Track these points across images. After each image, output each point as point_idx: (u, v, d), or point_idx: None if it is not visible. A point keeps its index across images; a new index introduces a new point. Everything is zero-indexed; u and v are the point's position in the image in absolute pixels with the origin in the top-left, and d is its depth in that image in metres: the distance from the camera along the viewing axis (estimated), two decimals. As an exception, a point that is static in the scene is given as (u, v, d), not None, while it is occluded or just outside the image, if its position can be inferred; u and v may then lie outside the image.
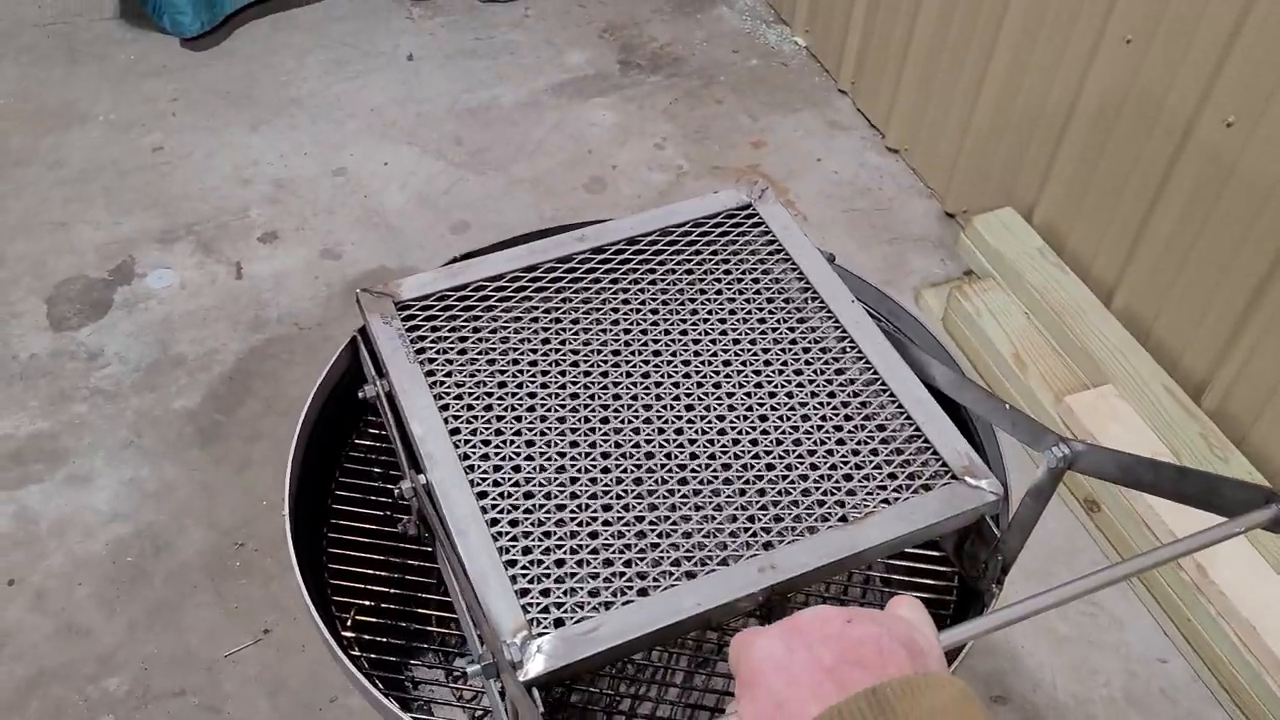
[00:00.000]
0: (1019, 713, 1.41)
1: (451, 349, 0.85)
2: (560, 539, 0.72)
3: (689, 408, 0.81)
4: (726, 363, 0.85)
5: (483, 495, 0.74)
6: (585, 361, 0.84)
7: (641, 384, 0.83)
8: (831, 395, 0.83)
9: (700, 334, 0.87)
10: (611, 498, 0.75)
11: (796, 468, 0.77)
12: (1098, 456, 0.68)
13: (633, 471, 0.77)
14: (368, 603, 0.90)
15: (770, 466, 0.78)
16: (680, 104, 2.28)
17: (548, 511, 0.74)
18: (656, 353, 0.85)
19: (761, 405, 0.82)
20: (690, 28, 2.48)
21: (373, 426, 1.00)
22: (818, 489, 0.76)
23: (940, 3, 1.90)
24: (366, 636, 0.88)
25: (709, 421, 0.80)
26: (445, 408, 0.80)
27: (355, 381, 0.92)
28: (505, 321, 0.88)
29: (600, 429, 0.79)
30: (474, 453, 0.77)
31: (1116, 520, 1.51)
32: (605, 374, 0.83)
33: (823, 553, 0.72)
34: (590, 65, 2.37)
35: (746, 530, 0.73)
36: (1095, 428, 1.53)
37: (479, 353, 0.85)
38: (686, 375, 0.84)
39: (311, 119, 2.22)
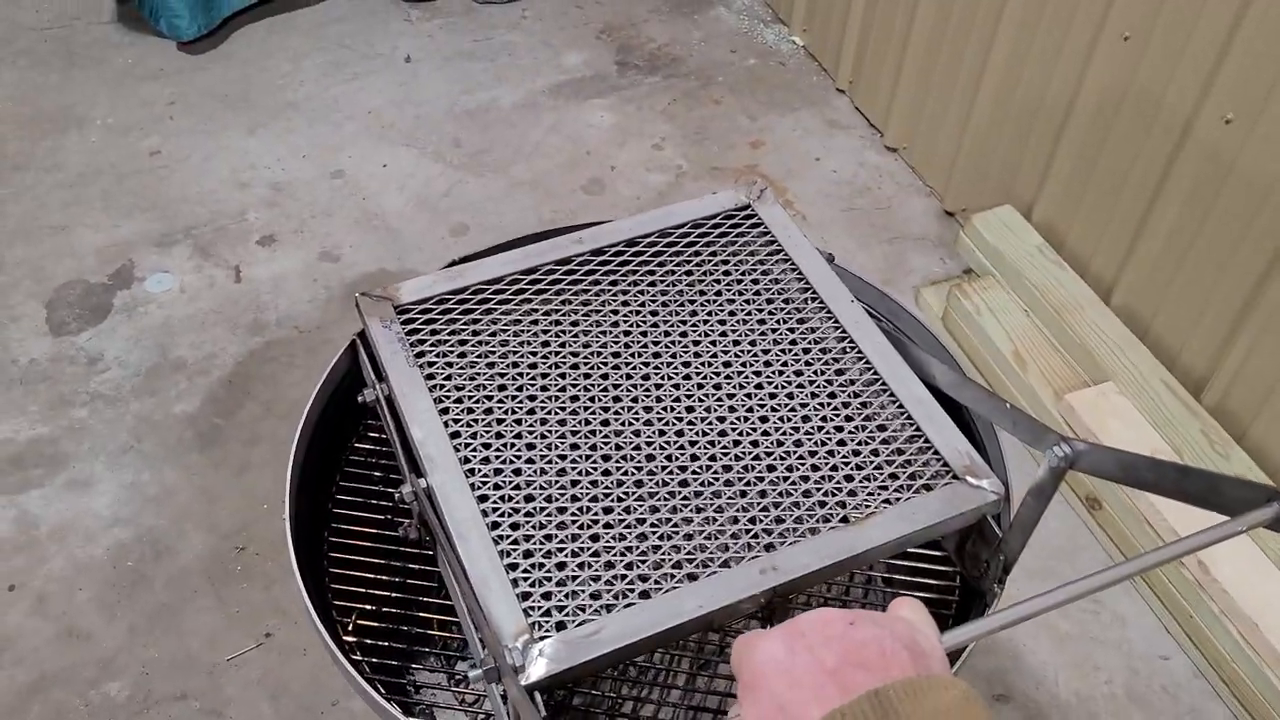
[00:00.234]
0: (1021, 711, 1.41)
1: (451, 352, 0.85)
2: (561, 541, 0.72)
3: (689, 409, 0.81)
4: (727, 364, 0.85)
5: (483, 499, 0.74)
6: (585, 364, 0.84)
7: (641, 386, 0.83)
8: (832, 396, 0.83)
9: (700, 335, 0.87)
10: (612, 500, 0.75)
11: (797, 469, 0.77)
12: (1099, 456, 0.68)
13: (633, 474, 0.77)
14: (369, 606, 0.89)
15: (771, 468, 0.77)
16: (678, 104, 2.27)
17: (549, 514, 0.74)
18: (656, 354, 0.85)
19: (762, 406, 0.82)
20: (688, 28, 2.48)
21: (373, 430, 1.00)
22: (819, 490, 0.76)
23: (938, 1, 1.90)
24: (369, 641, 0.88)
25: (709, 423, 0.80)
26: (445, 411, 0.80)
27: (355, 385, 0.92)
28: (505, 325, 0.87)
29: (600, 431, 0.79)
30: (474, 456, 0.77)
31: (1118, 518, 1.50)
32: (605, 376, 0.83)
33: (824, 554, 0.71)
34: (588, 66, 2.37)
35: (748, 531, 0.73)
36: (1096, 425, 1.53)
37: (479, 356, 0.85)
38: (686, 377, 0.84)
39: (309, 121, 2.21)
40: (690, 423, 0.80)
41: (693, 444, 0.79)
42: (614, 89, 2.31)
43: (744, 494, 0.76)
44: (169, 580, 1.49)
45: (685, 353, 0.85)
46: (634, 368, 0.84)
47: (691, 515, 0.74)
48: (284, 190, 2.07)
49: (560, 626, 0.67)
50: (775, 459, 0.78)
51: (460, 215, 2.02)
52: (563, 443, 0.78)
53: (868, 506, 0.75)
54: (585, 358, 0.85)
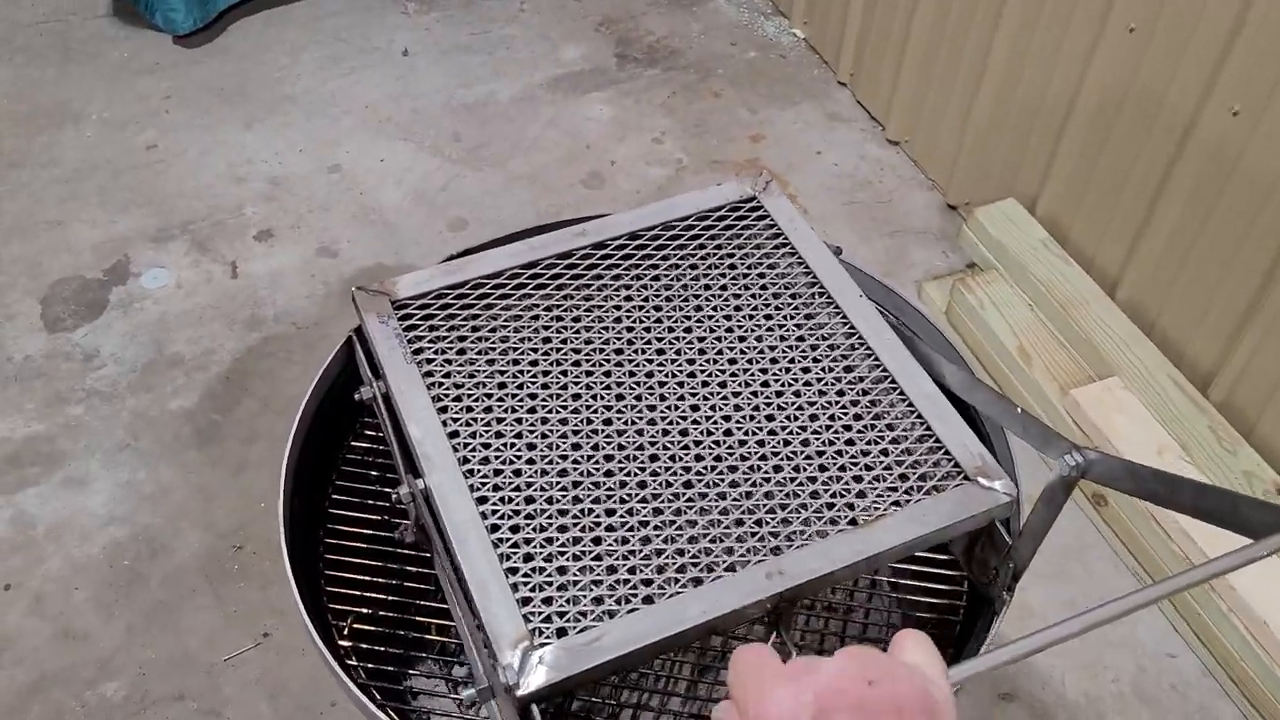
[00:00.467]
0: (1028, 710, 1.40)
1: (450, 349, 0.83)
2: (562, 545, 0.70)
3: (694, 408, 0.80)
4: (732, 360, 0.83)
5: (482, 500, 0.72)
6: (587, 361, 0.83)
7: (645, 383, 0.81)
8: (840, 394, 0.81)
9: (705, 331, 0.85)
10: (615, 502, 0.73)
11: (805, 469, 0.76)
12: (1112, 466, 0.66)
13: (636, 475, 0.75)
14: (365, 610, 0.88)
15: (778, 468, 0.76)
16: (678, 97, 2.25)
17: (549, 516, 0.72)
18: (660, 351, 0.84)
19: (768, 405, 0.80)
20: (687, 20, 2.46)
21: (369, 428, 0.98)
22: (826, 491, 0.74)
23: (941, -8, 1.88)
24: (364, 645, 0.86)
25: (714, 422, 0.79)
26: (444, 409, 0.78)
27: (351, 382, 0.90)
28: (505, 320, 0.86)
29: (603, 430, 0.78)
30: (473, 456, 0.75)
31: (1125, 515, 1.49)
32: (608, 373, 0.82)
33: (833, 557, 0.70)
34: (586, 60, 2.35)
35: (754, 534, 0.72)
36: (1101, 421, 1.51)
37: (478, 352, 0.83)
38: (691, 375, 0.82)
39: (306, 115, 2.20)
40: (695, 422, 0.79)
41: (697, 444, 0.77)
42: (613, 82, 2.29)
43: (749, 495, 0.74)
44: (166, 579, 1.48)
45: (690, 349, 0.84)
46: (637, 364, 0.82)
47: (696, 518, 0.73)
48: (281, 185, 2.05)
49: (561, 633, 0.65)
50: (782, 459, 0.76)
51: (458, 210, 2.01)
52: (564, 442, 0.77)
53: (877, 509, 0.73)
54: (587, 354, 0.83)
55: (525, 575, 0.68)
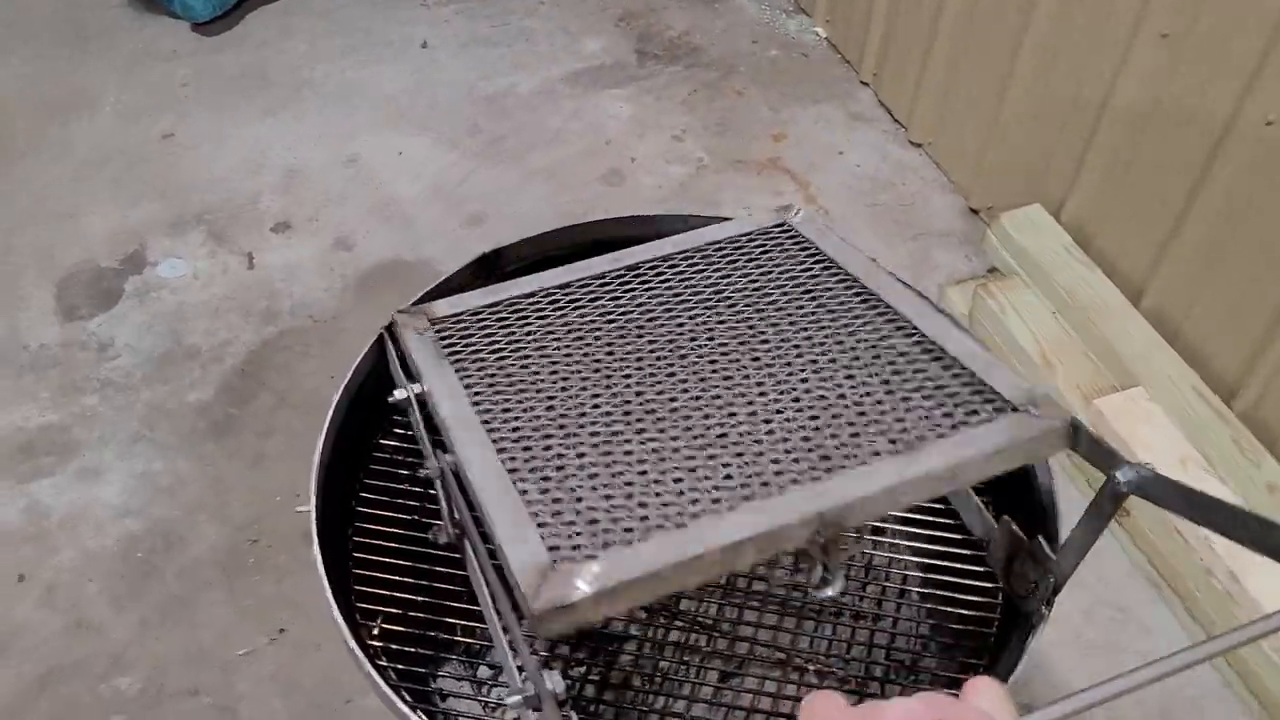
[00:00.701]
0: None
1: (484, 348, 0.82)
2: (593, 503, 0.68)
3: (728, 378, 0.78)
4: (765, 341, 0.82)
5: (513, 470, 0.71)
6: (621, 350, 0.82)
7: (680, 363, 0.80)
8: (876, 357, 0.79)
9: (739, 320, 0.84)
10: (649, 464, 0.71)
11: (844, 415, 0.74)
12: (1165, 487, 0.65)
13: (670, 431, 0.73)
14: (395, 610, 0.87)
15: (814, 417, 0.74)
16: (699, 95, 2.24)
17: (579, 479, 0.70)
18: (694, 338, 0.83)
19: (803, 370, 0.78)
20: (708, 17, 2.44)
21: (399, 426, 0.97)
22: (868, 429, 0.72)
23: (967, -6, 1.87)
24: (394, 646, 0.85)
25: (748, 386, 0.77)
26: (476, 395, 0.77)
27: (381, 380, 0.90)
28: (537, 324, 0.85)
29: (636, 399, 0.76)
30: (503, 429, 0.74)
31: (1147, 527, 1.48)
32: (641, 359, 0.80)
33: (879, 479, 0.67)
34: (607, 54, 2.34)
35: (794, 464, 0.69)
36: (1125, 431, 1.50)
37: (512, 349, 0.82)
38: (725, 353, 0.81)
39: (323, 106, 2.18)
40: (729, 388, 0.77)
41: (731, 404, 0.76)
42: (633, 79, 2.28)
43: (786, 439, 0.72)
44: (180, 572, 1.47)
45: (729, 348, 0.82)
46: (674, 351, 0.81)
47: (731, 460, 0.71)
48: (298, 176, 2.04)
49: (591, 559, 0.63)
50: (818, 410, 0.74)
51: (476, 204, 1.99)
52: (596, 411, 0.75)
53: (925, 437, 0.71)
54: (623, 346, 0.82)
55: (554, 530, 0.66)
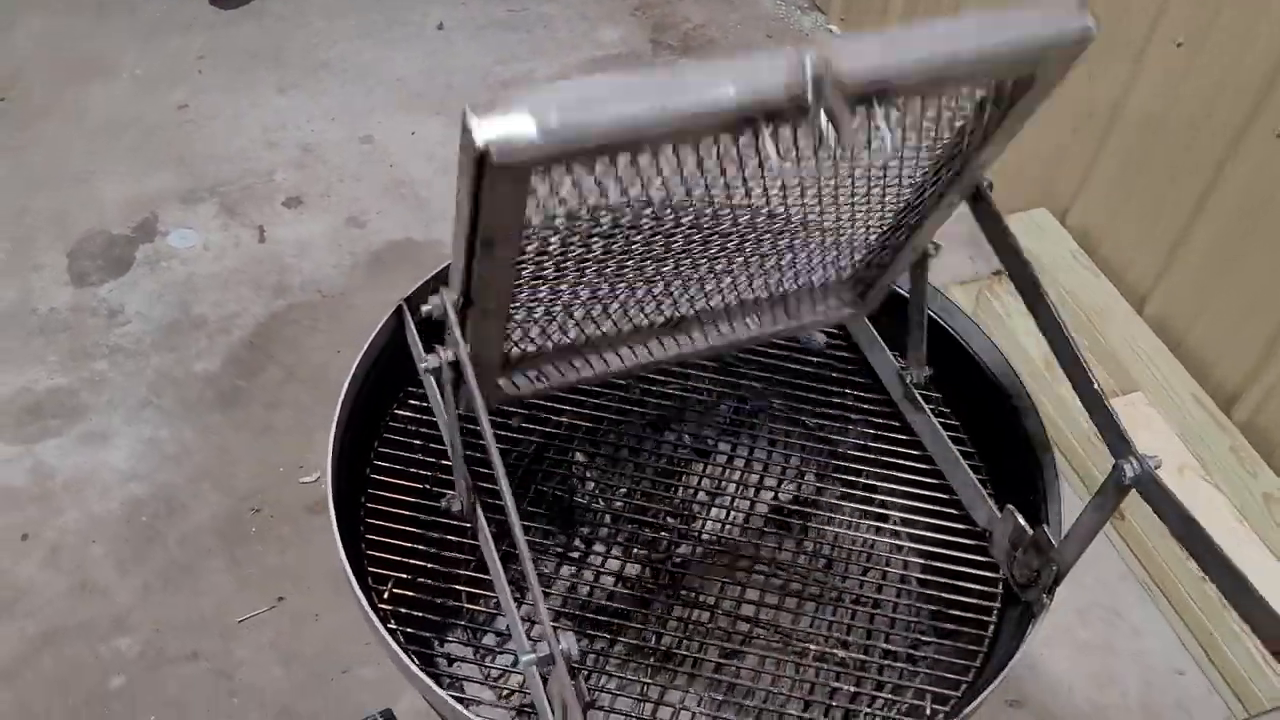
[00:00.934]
0: (1035, 718, 1.40)
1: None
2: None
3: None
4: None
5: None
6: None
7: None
8: None
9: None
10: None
11: None
12: (1164, 496, 0.66)
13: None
14: (404, 575, 0.88)
15: None
16: (713, 88, 2.25)
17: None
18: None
19: None
20: (724, 9, 2.45)
21: (413, 398, 0.99)
22: None
23: (985, -2, 1.87)
24: (404, 610, 0.86)
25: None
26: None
27: (395, 354, 0.91)
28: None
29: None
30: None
31: (1142, 533, 1.49)
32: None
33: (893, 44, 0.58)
34: (624, 43, 2.34)
35: None
36: (1124, 435, 1.51)
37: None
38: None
39: (340, 84, 2.19)
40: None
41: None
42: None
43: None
44: (183, 538, 1.48)
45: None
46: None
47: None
48: (312, 152, 2.05)
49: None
50: None
51: (489, 187, 2.00)
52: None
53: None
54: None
55: None
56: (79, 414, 1.61)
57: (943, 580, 0.93)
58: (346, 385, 0.89)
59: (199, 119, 2.09)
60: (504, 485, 0.72)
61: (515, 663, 0.90)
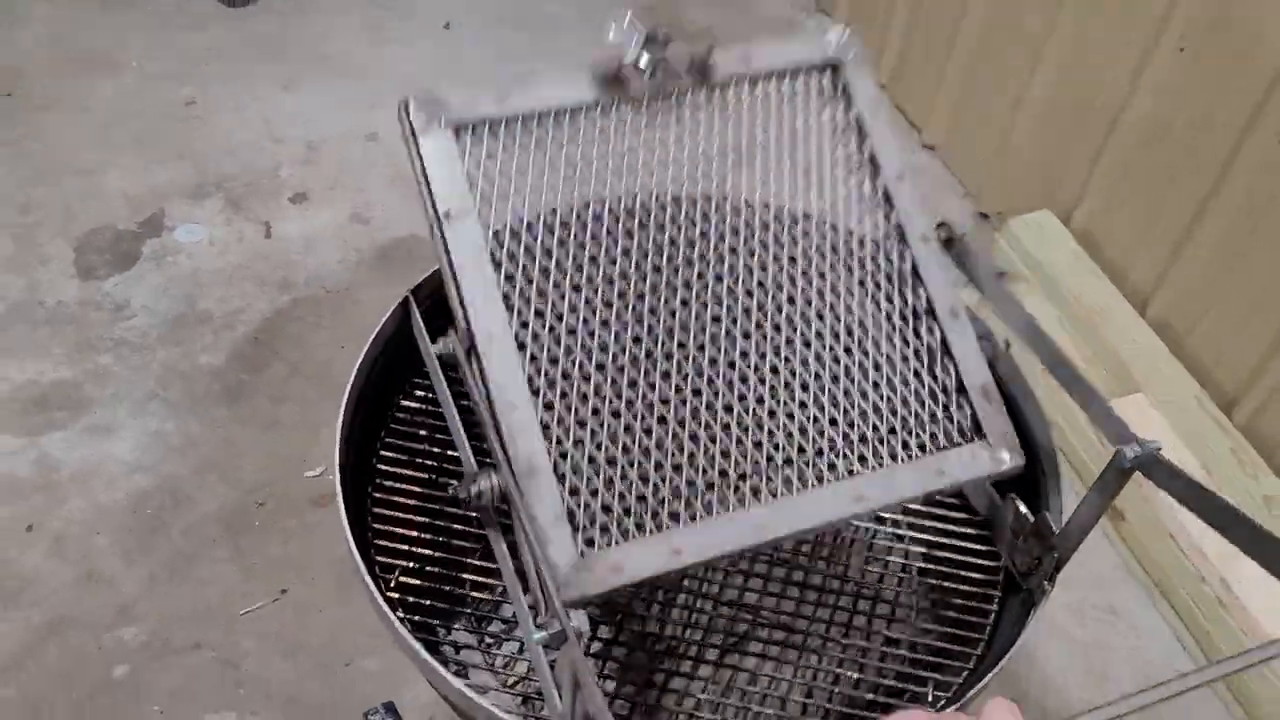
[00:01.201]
0: (1030, 716, 1.41)
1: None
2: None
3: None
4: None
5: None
6: (655, 282, 0.83)
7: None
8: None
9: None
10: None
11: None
12: (1168, 471, 0.67)
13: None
14: (411, 564, 0.89)
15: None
16: (717, 88, 2.26)
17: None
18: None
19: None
20: (730, 14, 2.46)
21: (419, 389, 0.99)
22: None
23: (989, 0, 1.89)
24: (411, 599, 0.87)
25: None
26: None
27: (401, 345, 0.92)
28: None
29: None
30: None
31: (1140, 531, 1.50)
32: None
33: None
34: (628, 44, 2.35)
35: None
36: (1125, 435, 1.52)
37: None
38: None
39: (345, 80, 2.20)
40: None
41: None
42: (653, 69, 2.30)
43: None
44: (188, 530, 1.49)
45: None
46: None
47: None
48: (317, 148, 2.06)
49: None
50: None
51: (494, 185, 2.01)
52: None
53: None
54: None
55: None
56: (84, 406, 1.62)
57: (944, 569, 0.94)
58: (354, 374, 0.90)
59: (205, 114, 2.10)
60: (508, 474, 0.73)
61: (521, 649, 0.90)
